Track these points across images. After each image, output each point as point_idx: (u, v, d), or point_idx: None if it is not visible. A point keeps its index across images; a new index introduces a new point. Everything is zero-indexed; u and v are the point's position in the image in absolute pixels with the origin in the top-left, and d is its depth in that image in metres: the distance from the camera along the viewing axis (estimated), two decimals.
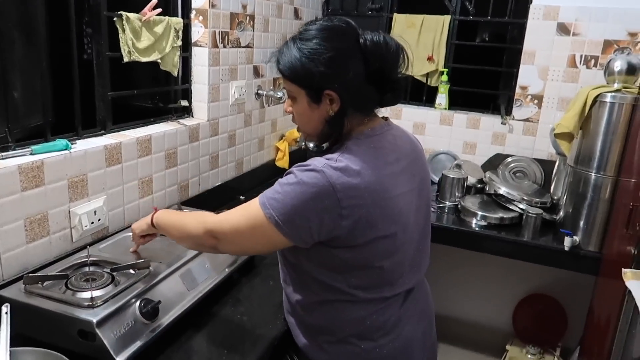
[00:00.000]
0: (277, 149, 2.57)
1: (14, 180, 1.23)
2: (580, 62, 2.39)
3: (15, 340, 1.02)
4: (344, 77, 1.03)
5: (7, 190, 1.21)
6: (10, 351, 0.98)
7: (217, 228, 1.11)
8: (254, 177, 2.39)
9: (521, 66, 2.50)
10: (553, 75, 2.45)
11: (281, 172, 2.57)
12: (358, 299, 1.11)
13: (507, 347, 2.64)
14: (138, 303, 1.14)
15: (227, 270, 1.45)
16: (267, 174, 2.52)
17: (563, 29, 2.39)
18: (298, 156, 2.74)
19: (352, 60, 1.03)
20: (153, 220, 1.27)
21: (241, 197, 2.25)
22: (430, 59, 2.68)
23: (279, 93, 2.36)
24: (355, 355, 1.13)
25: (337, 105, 1.05)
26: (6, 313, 1.05)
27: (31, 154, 1.30)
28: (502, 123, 2.56)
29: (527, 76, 2.50)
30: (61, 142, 1.38)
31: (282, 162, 2.57)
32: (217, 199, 2.07)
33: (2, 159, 1.24)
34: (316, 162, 1.02)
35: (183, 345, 1.20)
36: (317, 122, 1.09)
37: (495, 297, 2.81)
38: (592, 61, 2.37)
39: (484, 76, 2.81)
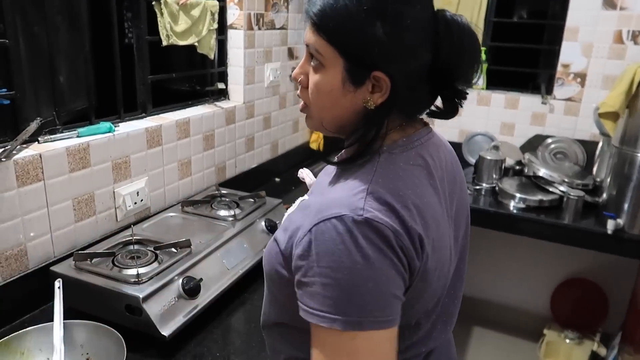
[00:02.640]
0: (312, 131, 2.57)
1: (62, 162, 1.28)
2: (628, 37, 2.28)
3: (67, 313, 1.07)
4: (410, 62, 0.71)
5: (56, 171, 1.26)
6: (63, 323, 1.03)
7: None
8: (289, 159, 2.41)
9: (563, 43, 2.41)
10: (597, 52, 2.35)
11: (315, 154, 2.60)
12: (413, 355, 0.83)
13: (545, 331, 2.60)
14: (181, 280, 1.18)
15: (264, 250, 1.47)
16: (301, 156, 2.53)
17: (609, 3, 2.29)
18: (332, 138, 2.73)
19: (424, 41, 0.71)
20: None
21: (276, 179, 2.28)
22: None
23: None
24: None
25: (384, 96, 0.72)
26: (59, 288, 1.10)
27: (77, 136, 1.34)
28: (542, 103, 2.48)
29: (569, 53, 2.41)
30: (105, 124, 1.42)
31: (316, 144, 2.57)
32: (253, 180, 2.10)
33: (51, 141, 1.29)
34: (348, 206, 0.67)
35: (223, 321, 1.24)
36: (344, 111, 0.75)
37: (533, 280, 2.76)
38: None
39: (524, 54, 2.72)
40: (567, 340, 2.51)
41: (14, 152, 1.18)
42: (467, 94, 0.79)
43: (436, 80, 0.74)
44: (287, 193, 2.12)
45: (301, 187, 2.23)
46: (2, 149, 1.16)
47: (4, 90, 1.20)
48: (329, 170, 0.86)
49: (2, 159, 1.13)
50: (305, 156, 2.56)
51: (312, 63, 0.75)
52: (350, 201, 0.68)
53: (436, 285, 0.76)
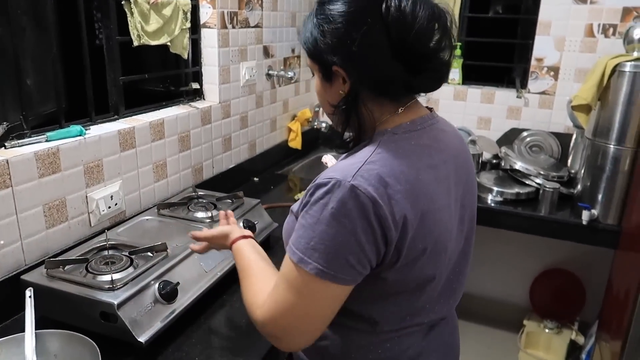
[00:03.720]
0: (290, 130, 2.56)
1: (31, 167, 1.24)
2: (598, 31, 2.32)
3: (40, 323, 1.04)
4: (351, 50, 0.80)
5: (25, 177, 1.23)
6: (35, 333, 1.01)
7: (268, 313, 0.84)
8: (267, 159, 2.39)
9: (536, 37, 2.44)
10: (570, 46, 2.39)
11: (294, 152, 2.59)
12: (374, 330, 0.91)
13: (525, 322, 2.64)
14: (157, 285, 1.16)
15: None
16: (280, 155, 2.52)
17: None
18: (310, 136, 2.74)
19: (367, 29, 0.79)
20: (232, 245, 1.06)
21: (255, 179, 2.26)
22: None
23: (289, 73, 2.34)
24: None
25: (347, 85, 0.84)
26: (30, 297, 1.07)
27: (46, 140, 1.31)
28: (517, 97, 2.52)
29: (542, 47, 2.44)
30: (75, 128, 1.39)
31: (295, 142, 2.56)
32: (231, 181, 2.08)
33: (19, 146, 1.26)
34: (342, 173, 0.79)
35: (202, 325, 1.22)
36: (329, 104, 0.89)
37: (512, 272, 2.80)
38: (611, 30, 2.30)
39: (498, 49, 2.75)
40: (547, 330, 2.55)
41: None
42: (442, 62, 0.84)
43: (402, 56, 0.80)
44: (266, 192, 2.10)
45: (280, 187, 2.22)
46: None
47: None
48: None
49: None
50: (284, 155, 2.55)
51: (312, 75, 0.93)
52: (346, 169, 0.80)
53: (433, 256, 0.86)
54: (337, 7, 0.82)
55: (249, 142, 2.24)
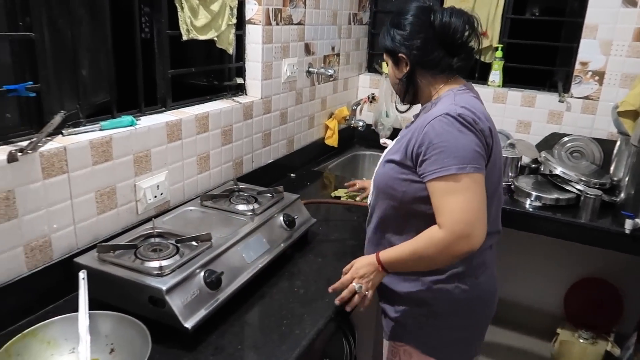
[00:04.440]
0: (327, 127, 2.57)
1: (86, 155, 1.29)
2: None
3: (90, 304, 1.08)
4: (414, 44, 1.25)
5: (80, 164, 1.28)
6: (89, 314, 1.05)
7: (462, 225, 1.09)
8: (304, 155, 2.42)
9: (582, 41, 2.39)
10: (616, 50, 2.33)
11: (330, 150, 2.60)
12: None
13: (558, 330, 2.59)
14: (203, 273, 1.19)
15: (282, 245, 1.48)
16: (316, 152, 2.54)
17: (629, 0, 2.26)
18: (347, 134, 2.75)
19: (422, 30, 1.24)
20: (382, 263, 1.24)
21: (292, 175, 2.29)
22: (484, 34, 2.59)
23: (329, 71, 2.36)
24: (461, 291, 1.26)
25: (408, 65, 1.27)
26: (83, 279, 1.12)
27: (100, 129, 1.36)
28: (559, 101, 2.46)
29: (587, 51, 2.39)
30: (127, 118, 1.43)
31: (331, 140, 2.58)
32: (269, 175, 2.11)
33: (75, 134, 1.31)
34: (445, 110, 1.16)
35: (244, 315, 1.25)
36: (397, 80, 1.33)
37: (547, 279, 2.74)
38: None
39: (540, 52, 2.70)
40: (581, 340, 2.49)
41: (40, 144, 1.20)
42: (473, 57, 1.30)
43: (444, 46, 1.24)
44: (302, 189, 2.13)
45: (316, 184, 2.24)
46: (29, 142, 1.17)
47: (30, 83, 1.21)
48: (405, 128, 1.34)
49: (29, 151, 1.15)
50: (320, 152, 2.57)
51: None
52: (445, 109, 1.16)
53: (497, 174, 1.24)
54: (405, 20, 1.26)
55: (288, 138, 2.26)
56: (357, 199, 1.88)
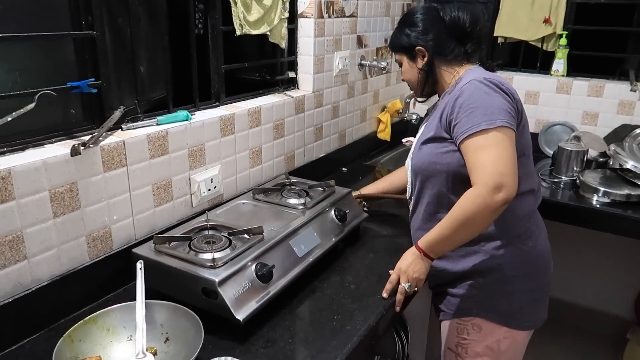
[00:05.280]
0: (379, 121, 2.53)
1: (144, 149, 1.33)
2: None
3: (147, 294, 1.11)
4: (429, 36, 1.37)
5: (138, 158, 1.32)
6: (145, 303, 1.08)
7: (494, 176, 1.15)
8: (356, 149, 2.39)
9: None
10: None
11: (382, 144, 2.56)
12: (522, 191, 1.27)
13: (628, 336, 2.43)
14: (254, 266, 1.20)
15: (334, 239, 1.47)
16: (368, 147, 2.50)
17: None
18: (400, 128, 2.69)
19: (434, 25, 1.37)
20: (422, 249, 1.27)
21: (343, 169, 2.27)
22: (547, 21, 2.46)
23: (382, 63, 2.31)
24: (523, 252, 1.33)
25: (426, 56, 1.38)
26: (140, 269, 1.15)
27: (157, 124, 1.39)
28: (631, 90, 2.29)
29: None
30: (182, 113, 1.46)
31: (384, 134, 2.53)
32: (320, 170, 2.10)
33: (133, 128, 1.35)
34: (471, 78, 1.27)
35: (295, 309, 1.25)
36: (417, 74, 1.42)
37: (615, 281, 2.58)
38: None
39: (609, 38, 2.52)
40: None
41: (100, 138, 1.24)
42: (480, 45, 1.43)
43: (455, 36, 1.37)
44: (353, 183, 2.10)
45: (368, 178, 2.21)
46: (90, 136, 1.22)
47: (91, 79, 1.26)
48: (425, 118, 1.50)
49: (90, 145, 1.19)
50: (372, 146, 2.53)
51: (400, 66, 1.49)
52: (476, 77, 1.27)
53: (527, 129, 1.33)
54: (417, 19, 1.40)
55: (339, 132, 2.24)
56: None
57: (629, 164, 2.02)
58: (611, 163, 2.15)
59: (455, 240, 1.24)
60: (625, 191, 1.96)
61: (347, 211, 1.55)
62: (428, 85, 1.42)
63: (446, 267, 1.37)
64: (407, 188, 1.48)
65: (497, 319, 1.34)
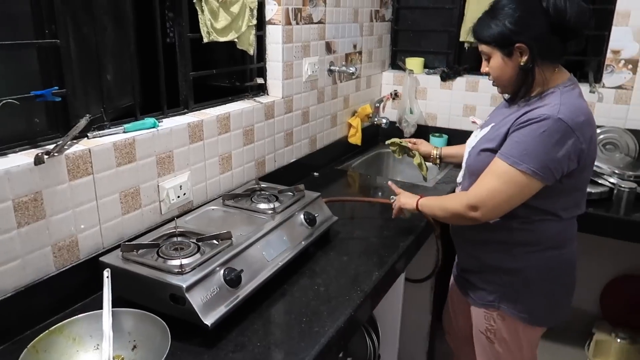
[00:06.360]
0: (350, 126, 2.56)
1: (110, 156, 1.33)
2: None
3: (115, 302, 1.11)
4: (530, 32, 1.26)
5: (104, 166, 1.31)
6: (112, 311, 1.08)
7: (476, 199, 1.31)
8: (327, 154, 2.41)
9: (613, 28, 2.30)
10: None
11: (353, 148, 2.59)
12: (560, 218, 1.37)
13: (594, 330, 2.50)
14: (222, 271, 1.21)
15: (303, 242, 1.48)
16: (339, 151, 2.53)
17: None
18: (370, 132, 2.73)
19: (535, 17, 1.25)
20: (418, 205, 1.52)
21: (315, 174, 2.29)
22: None
23: (351, 68, 2.35)
24: (551, 259, 1.41)
25: (526, 55, 1.28)
26: (107, 277, 1.15)
27: (124, 132, 1.39)
28: (590, 91, 2.38)
29: (620, 39, 2.30)
30: (149, 120, 1.46)
31: (355, 138, 2.56)
32: (292, 175, 2.12)
33: (100, 136, 1.35)
34: (548, 111, 1.23)
35: (264, 312, 1.26)
36: (511, 73, 1.32)
37: (581, 277, 2.62)
38: None
39: None
40: (619, 340, 2.40)
41: (65, 147, 1.24)
42: (584, 43, 1.34)
43: (558, 31, 1.25)
44: (325, 187, 2.13)
45: (340, 182, 2.24)
46: (55, 145, 1.21)
47: (55, 88, 1.26)
48: (499, 110, 1.48)
49: (55, 154, 1.19)
50: (343, 151, 2.56)
51: (485, 60, 1.39)
52: (550, 110, 1.24)
53: (588, 171, 1.36)
54: (514, 6, 1.26)
55: (310, 137, 2.27)
56: (408, 144, 1.85)
57: None
58: None
59: (435, 215, 1.50)
60: (587, 189, 2.03)
61: (316, 215, 1.57)
62: (525, 86, 1.32)
63: (480, 256, 1.50)
64: (460, 174, 1.57)
65: (518, 315, 1.44)
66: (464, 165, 1.52)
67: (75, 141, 1.30)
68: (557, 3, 1.22)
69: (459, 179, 1.57)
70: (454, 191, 1.70)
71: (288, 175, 2.08)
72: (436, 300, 2.15)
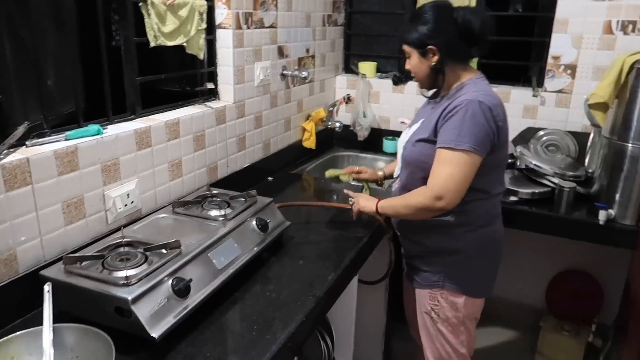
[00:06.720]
0: (304, 130, 2.57)
1: (51, 165, 1.28)
2: (617, 28, 2.28)
3: (58, 317, 1.07)
4: (442, 37, 1.48)
5: (44, 175, 1.26)
6: (53, 327, 1.04)
7: (439, 189, 1.44)
8: (282, 158, 2.41)
9: (553, 35, 2.41)
10: (587, 43, 2.36)
11: (308, 152, 2.60)
12: (489, 195, 1.55)
13: (541, 324, 2.61)
14: (170, 281, 1.18)
15: (255, 249, 1.48)
16: (294, 155, 2.53)
17: None
18: (325, 136, 2.75)
19: (447, 25, 1.48)
20: (378, 208, 1.61)
21: (269, 179, 2.28)
22: None
23: (303, 73, 2.36)
24: (485, 236, 1.60)
25: (437, 56, 1.50)
26: (48, 291, 1.10)
27: (66, 139, 1.34)
28: (533, 95, 2.48)
29: (559, 45, 2.41)
30: (93, 127, 1.42)
31: (309, 142, 2.57)
32: (245, 180, 2.10)
33: (39, 145, 1.29)
34: (468, 96, 1.43)
35: (215, 321, 1.24)
36: (426, 70, 1.54)
37: (528, 273, 2.77)
38: (630, 26, 2.26)
39: (516, 47, 2.72)
40: (564, 333, 2.51)
41: (1, 156, 1.18)
42: (488, 49, 1.57)
43: (465, 38, 1.49)
44: (280, 192, 2.12)
45: (294, 186, 2.24)
46: None
47: None
48: (424, 109, 1.67)
49: None
50: (298, 155, 2.57)
51: (407, 58, 1.59)
52: (471, 96, 1.44)
53: (505, 148, 1.56)
54: (430, 16, 1.49)
55: (264, 141, 2.26)
56: (351, 177, 1.96)
57: (533, 164, 2.18)
58: (518, 164, 2.31)
59: (398, 213, 1.61)
60: (531, 189, 2.12)
61: (268, 220, 1.57)
62: (437, 82, 1.56)
63: (421, 241, 1.64)
64: (396, 168, 1.72)
65: (461, 290, 1.61)
66: (399, 160, 1.67)
67: (12, 150, 1.24)
68: (464, 15, 1.47)
69: (396, 173, 1.72)
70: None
71: (242, 181, 2.07)
72: (391, 301, 2.19)
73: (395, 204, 1.58)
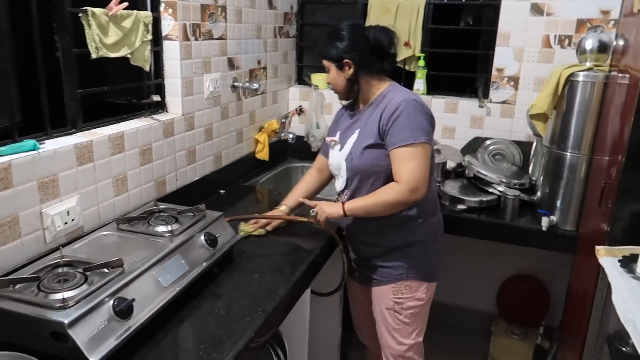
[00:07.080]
0: (257, 141, 2.55)
1: None
2: (555, 42, 2.40)
3: None
4: (355, 51, 1.62)
5: None
6: None
7: (413, 181, 1.53)
8: (234, 170, 2.38)
9: (496, 48, 2.51)
10: (528, 56, 2.46)
11: (261, 164, 2.58)
12: (430, 186, 1.62)
13: (492, 328, 2.68)
14: (111, 302, 1.13)
15: (204, 264, 1.44)
16: (247, 167, 2.51)
17: (537, 9, 2.40)
18: (278, 147, 2.74)
19: (360, 42, 1.63)
20: (346, 211, 1.63)
21: (221, 191, 2.25)
22: (407, 44, 2.67)
23: (255, 85, 2.35)
24: (434, 224, 1.76)
25: (352, 68, 1.64)
26: None
27: None
28: (479, 106, 2.57)
29: (502, 58, 2.51)
30: (29, 142, 1.36)
31: (262, 154, 2.56)
32: (196, 193, 2.06)
33: None
34: (402, 98, 1.58)
35: (160, 342, 1.20)
36: (343, 82, 1.67)
37: (479, 280, 2.84)
38: (566, 41, 2.38)
39: (464, 60, 2.81)
40: (514, 336, 2.59)
41: None
42: (396, 62, 1.82)
43: (376, 53, 1.64)
44: (232, 205, 2.09)
45: (247, 199, 2.21)
46: None
47: None
48: (345, 122, 1.78)
49: None
50: (251, 167, 2.54)
51: (327, 72, 1.72)
52: (404, 96, 1.60)
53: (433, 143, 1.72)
54: (346, 34, 1.64)
55: (215, 154, 2.22)
56: (262, 230, 1.80)
57: (480, 173, 2.25)
58: (467, 173, 2.37)
59: (370, 212, 1.62)
60: (478, 198, 2.18)
61: (217, 235, 1.53)
62: (352, 92, 1.70)
63: (380, 242, 1.72)
64: (338, 183, 1.75)
65: (421, 277, 1.73)
66: (344, 172, 1.70)
67: None
68: (375, 33, 1.63)
69: (339, 187, 1.75)
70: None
71: (192, 194, 2.02)
72: (347, 312, 2.19)
73: (365, 204, 1.62)
